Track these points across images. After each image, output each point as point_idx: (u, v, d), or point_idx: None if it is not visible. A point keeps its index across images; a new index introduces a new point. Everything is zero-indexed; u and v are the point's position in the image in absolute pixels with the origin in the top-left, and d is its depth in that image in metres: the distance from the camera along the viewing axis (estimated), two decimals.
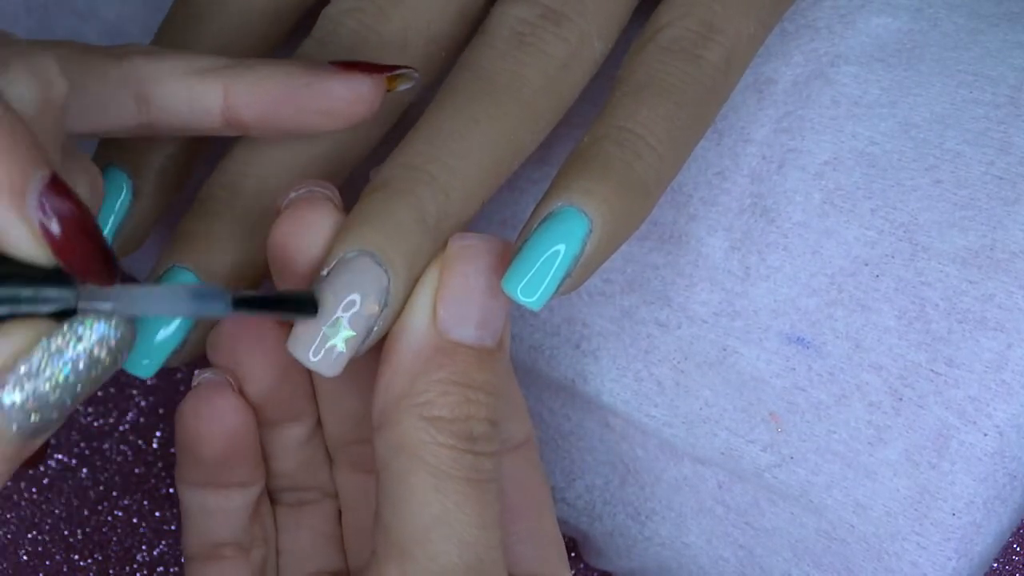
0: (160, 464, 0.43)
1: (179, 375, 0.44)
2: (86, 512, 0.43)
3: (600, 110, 0.31)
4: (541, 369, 0.36)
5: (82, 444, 0.44)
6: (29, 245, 0.25)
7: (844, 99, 0.35)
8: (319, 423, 0.34)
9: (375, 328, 0.30)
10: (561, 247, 0.30)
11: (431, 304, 0.30)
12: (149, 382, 0.44)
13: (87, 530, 0.43)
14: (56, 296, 0.25)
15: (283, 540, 0.35)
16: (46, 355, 0.25)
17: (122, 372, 0.33)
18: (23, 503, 0.43)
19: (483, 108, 0.31)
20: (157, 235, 0.35)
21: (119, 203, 0.33)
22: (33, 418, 0.25)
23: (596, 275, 0.35)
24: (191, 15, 0.34)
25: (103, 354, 0.25)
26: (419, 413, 0.29)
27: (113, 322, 0.25)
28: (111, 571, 0.42)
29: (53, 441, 0.44)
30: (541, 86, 0.32)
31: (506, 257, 0.30)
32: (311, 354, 0.29)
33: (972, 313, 0.33)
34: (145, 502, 0.43)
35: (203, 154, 0.35)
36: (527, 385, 0.37)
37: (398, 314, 0.30)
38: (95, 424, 0.44)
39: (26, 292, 0.25)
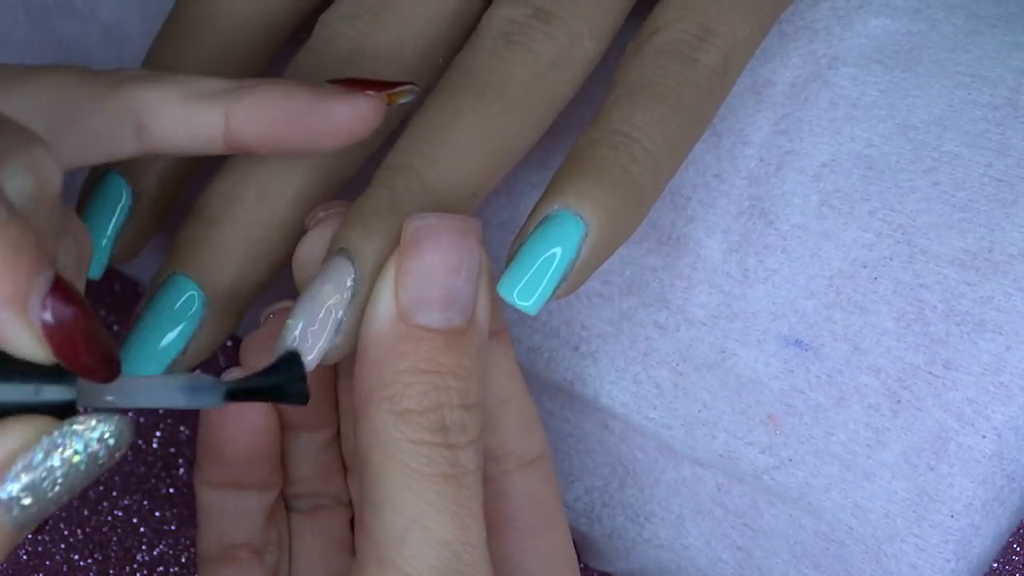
0: (160, 464, 0.43)
1: None
2: (86, 512, 0.43)
3: (596, 113, 0.31)
4: (540, 371, 0.36)
5: None
6: (31, 346, 0.25)
7: (842, 101, 0.35)
8: (339, 431, 0.35)
9: (342, 318, 0.29)
10: (557, 251, 0.30)
11: (392, 290, 0.29)
12: None
13: (87, 530, 0.43)
14: (56, 393, 0.25)
15: (296, 546, 0.35)
16: (45, 452, 0.25)
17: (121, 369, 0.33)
18: None
19: (466, 102, 0.31)
20: (158, 240, 0.35)
21: (119, 209, 0.33)
22: (30, 510, 0.25)
23: (594, 277, 0.35)
24: (187, 26, 0.34)
25: (101, 451, 0.25)
26: (388, 408, 0.28)
27: (113, 421, 0.25)
28: (111, 571, 0.42)
29: None
30: (528, 82, 0.32)
31: (469, 231, 0.29)
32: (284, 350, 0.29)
33: (970, 315, 0.33)
34: (145, 502, 0.43)
35: (203, 160, 0.35)
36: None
37: (367, 305, 0.30)
38: None
39: (26, 389, 0.25)
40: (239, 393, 0.28)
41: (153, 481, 0.43)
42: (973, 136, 0.34)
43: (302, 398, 0.28)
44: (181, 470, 0.43)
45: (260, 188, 0.32)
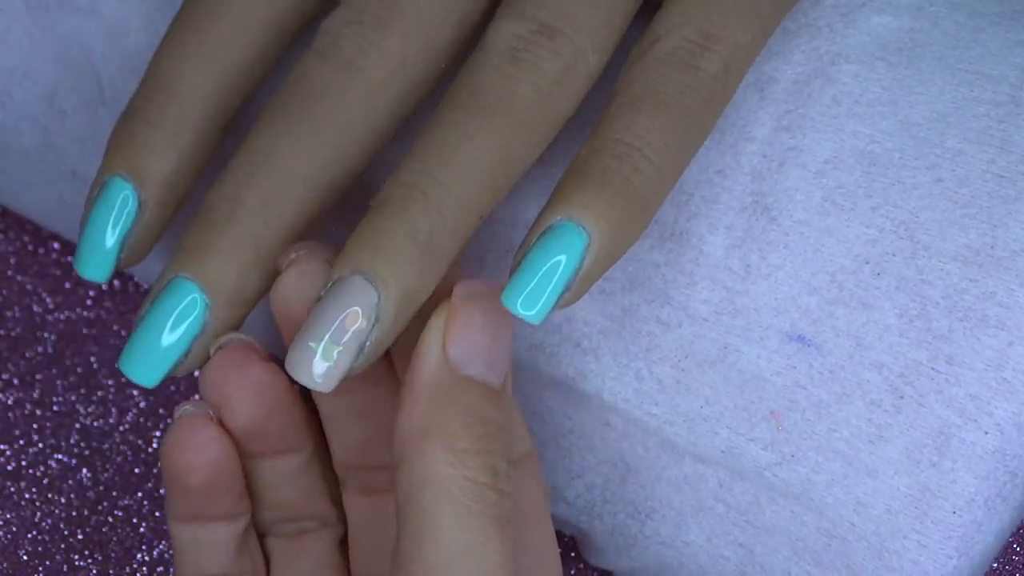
0: (160, 464, 0.43)
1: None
2: (86, 512, 0.43)
3: (597, 121, 0.32)
4: (541, 367, 0.36)
5: (82, 444, 0.44)
6: None
7: (845, 98, 0.35)
8: (315, 453, 0.35)
9: (367, 343, 0.30)
10: (560, 261, 0.30)
11: (440, 343, 0.31)
12: None
13: (87, 530, 0.43)
14: None
15: (281, 571, 0.36)
16: None
17: (122, 372, 0.33)
18: (23, 503, 0.43)
19: (476, 123, 0.31)
20: (161, 242, 0.35)
21: (125, 213, 0.33)
22: None
23: None
24: (192, 27, 0.34)
25: None
26: (444, 446, 0.30)
27: None
28: (111, 571, 0.42)
29: (53, 441, 0.44)
30: (535, 101, 0.32)
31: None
32: (305, 372, 0.30)
33: (973, 311, 0.33)
34: (145, 502, 0.43)
35: (209, 164, 0.35)
36: (528, 383, 0.37)
37: (391, 331, 0.31)
38: (95, 424, 0.44)
39: None
40: None
41: (153, 481, 0.43)
42: (976, 133, 0.34)
43: None
44: None
45: (262, 192, 0.32)
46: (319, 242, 0.33)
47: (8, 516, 0.43)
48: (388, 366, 0.34)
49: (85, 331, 0.45)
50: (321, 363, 0.30)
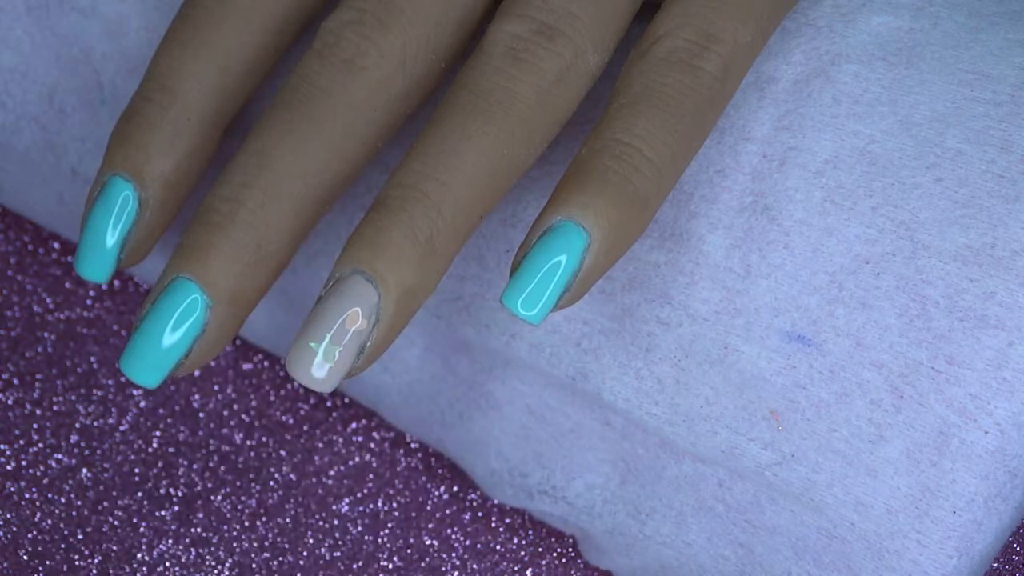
0: (160, 464, 0.43)
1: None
2: (86, 512, 0.43)
3: (597, 121, 0.32)
4: (542, 367, 0.36)
5: (82, 444, 0.44)
6: None
7: (845, 97, 0.35)
8: None
9: (368, 343, 0.31)
10: (560, 261, 0.30)
11: None
12: None
13: (87, 530, 0.43)
14: None
15: None
16: None
17: (123, 373, 0.33)
18: (23, 503, 0.43)
19: (476, 124, 0.31)
20: (162, 242, 0.35)
21: (125, 215, 0.33)
22: None
23: None
24: (192, 27, 0.34)
25: None
26: None
27: None
28: (111, 571, 0.42)
29: (53, 441, 0.44)
30: (535, 101, 0.32)
31: None
32: (305, 372, 0.31)
33: (973, 311, 0.33)
34: (145, 502, 0.43)
35: (210, 164, 0.35)
36: (528, 383, 0.37)
37: (392, 331, 0.31)
38: (95, 424, 0.44)
39: None
40: None
41: (153, 481, 0.43)
42: (976, 133, 0.34)
43: None
44: (181, 470, 0.43)
45: (263, 193, 0.32)
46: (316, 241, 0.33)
47: (8, 516, 0.43)
48: None
49: (85, 331, 0.45)
50: (322, 364, 0.30)
